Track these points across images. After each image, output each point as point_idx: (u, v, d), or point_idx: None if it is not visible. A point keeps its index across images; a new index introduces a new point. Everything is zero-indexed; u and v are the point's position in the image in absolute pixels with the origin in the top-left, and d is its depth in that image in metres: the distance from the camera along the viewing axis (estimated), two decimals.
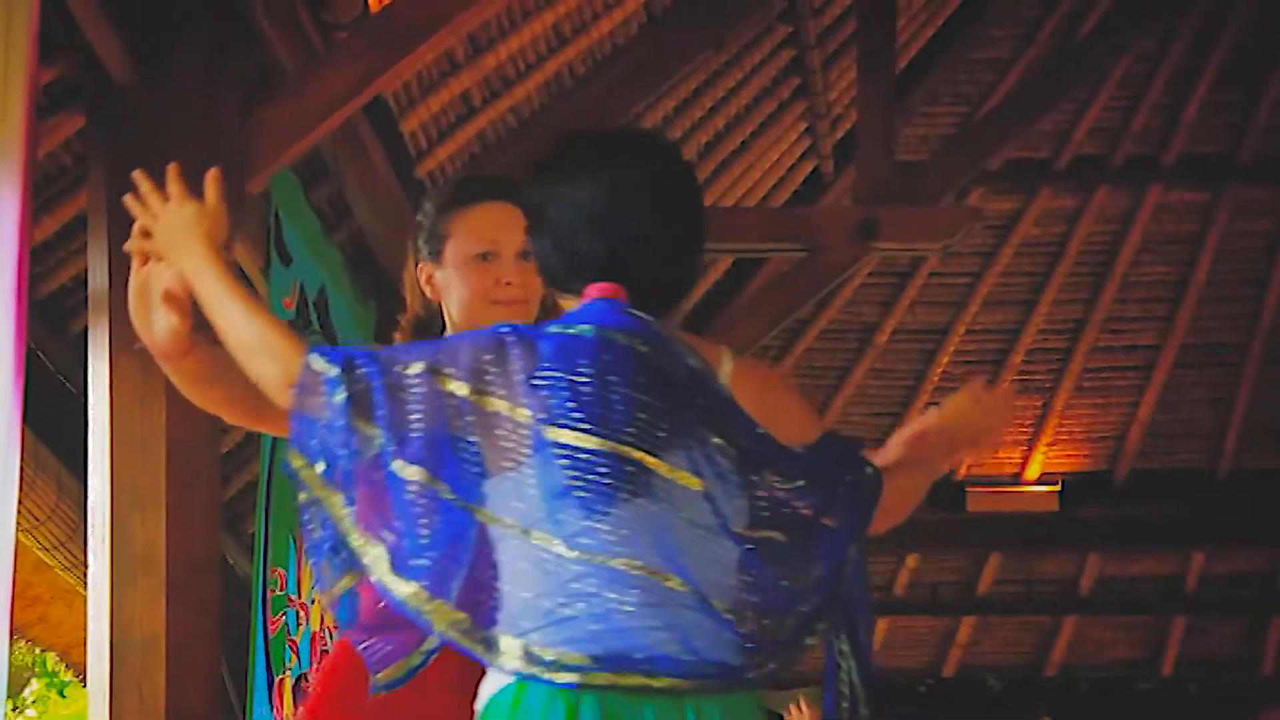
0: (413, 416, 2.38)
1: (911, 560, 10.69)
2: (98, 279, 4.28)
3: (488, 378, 2.39)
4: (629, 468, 2.37)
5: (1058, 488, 10.42)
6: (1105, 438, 10.50)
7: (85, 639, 4.25)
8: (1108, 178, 9.80)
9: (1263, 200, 9.87)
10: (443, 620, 2.36)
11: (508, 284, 2.94)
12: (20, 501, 4.42)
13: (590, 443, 2.36)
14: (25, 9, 3.61)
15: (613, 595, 2.35)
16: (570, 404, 2.37)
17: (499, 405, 2.39)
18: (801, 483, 2.44)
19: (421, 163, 6.50)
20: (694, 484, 2.39)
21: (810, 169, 9.12)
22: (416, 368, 2.40)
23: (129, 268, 4.13)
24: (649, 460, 2.37)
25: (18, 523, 4.03)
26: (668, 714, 2.36)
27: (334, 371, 2.40)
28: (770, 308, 7.53)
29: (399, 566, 2.36)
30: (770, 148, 8.66)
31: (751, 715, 2.42)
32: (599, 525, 2.36)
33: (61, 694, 11.03)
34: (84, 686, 4.95)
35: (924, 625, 10.99)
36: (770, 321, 7.56)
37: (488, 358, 2.40)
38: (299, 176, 5.33)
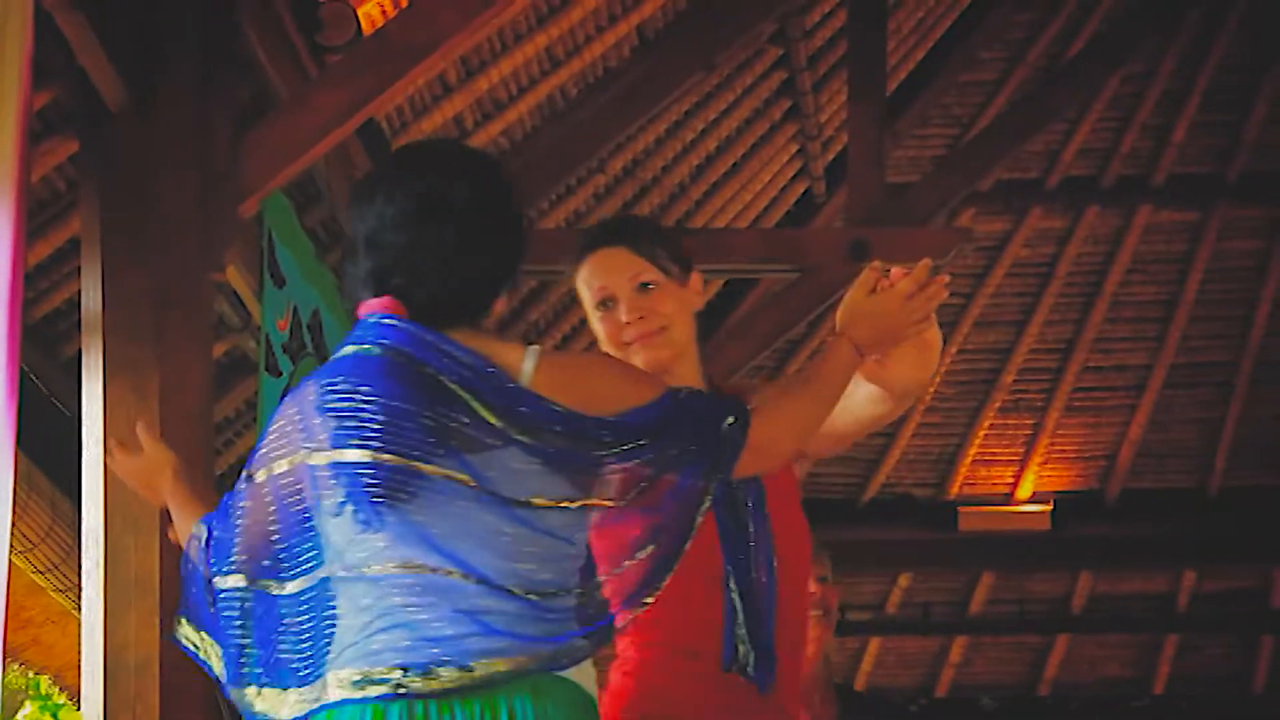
0: (235, 527, 2.58)
1: (903, 580, 10.70)
2: (91, 302, 4.30)
3: (285, 441, 2.57)
4: (396, 475, 2.45)
5: (1049, 507, 10.43)
6: (1096, 457, 10.52)
7: (79, 662, 4.26)
8: (1097, 198, 9.83)
9: (1251, 219, 9.90)
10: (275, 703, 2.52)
11: (627, 324, 2.98)
12: (14, 524, 4.43)
13: (352, 456, 2.46)
14: (19, 35, 3.62)
15: (402, 601, 2.43)
16: (334, 424, 2.49)
17: (301, 459, 2.53)
18: (630, 445, 2.48)
19: None
20: (466, 480, 2.45)
21: (802, 190, 9.15)
22: (241, 482, 2.61)
23: (122, 291, 4.16)
24: (415, 465, 2.45)
25: (11, 545, 4.04)
26: (476, 712, 2.41)
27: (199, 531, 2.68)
28: (763, 328, 7.55)
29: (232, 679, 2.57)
30: (762, 169, 8.68)
31: (568, 696, 2.46)
32: (373, 537, 2.46)
33: (55, 717, 11.01)
34: (78, 710, 4.95)
35: (916, 645, 10.99)
36: (763, 342, 7.58)
37: (282, 422, 2.59)
38: (292, 199, 5.35)
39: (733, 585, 2.86)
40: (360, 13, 5.38)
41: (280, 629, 2.52)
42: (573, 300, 8.09)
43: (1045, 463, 10.52)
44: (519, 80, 6.70)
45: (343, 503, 2.47)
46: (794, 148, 8.76)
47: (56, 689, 7.61)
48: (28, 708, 10.95)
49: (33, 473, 5.23)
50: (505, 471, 2.46)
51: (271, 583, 2.54)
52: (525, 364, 2.51)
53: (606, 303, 3.00)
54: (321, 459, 2.49)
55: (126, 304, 4.26)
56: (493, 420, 2.46)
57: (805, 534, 3.03)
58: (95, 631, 4.18)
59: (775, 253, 7.13)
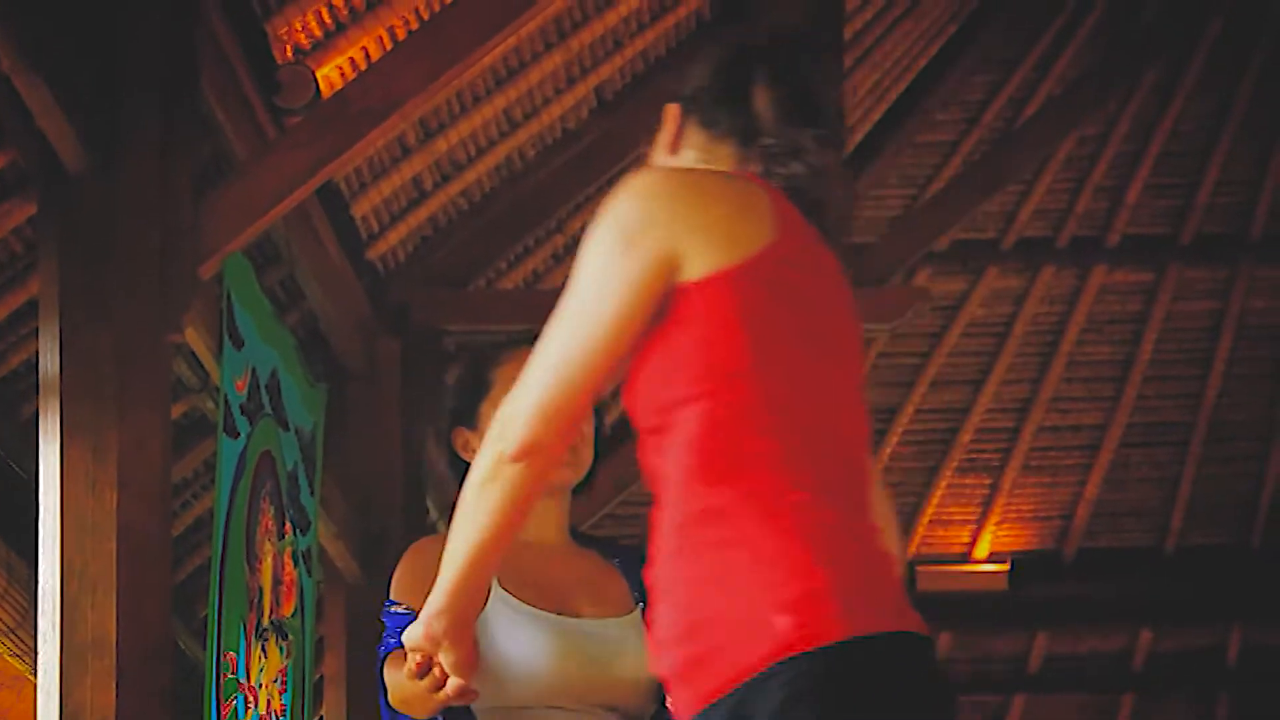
0: None
1: None
2: (48, 364, 4.29)
3: None
4: None
5: (1007, 566, 10.46)
6: (1053, 517, 10.56)
7: None
8: (1053, 258, 9.90)
9: (1205, 280, 9.99)
10: None
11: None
12: None
13: None
14: None
15: None
16: None
17: None
18: None
19: (373, 246, 6.53)
20: None
21: None
22: None
23: (80, 352, 4.14)
24: None
25: None
26: None
27: None
28: None
29: None
30: None
31: None
32: None
33: None
34: None
35: None
36: None
37: None
38: (251, 260, 5.35)
39: None
40: (319, 75, 5.39)
41: None
42: None
43: (1002, 522, 10.55)
44: (477, 141, 6.73)
45: None
46: None
47: None
48: None
49: None
50: None
51: None
52: None
53: None
54: None
55: (85, 365, 4.26)
56: None
57: None
58: (51, 695, 4.15)
59: None
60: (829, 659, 1.97)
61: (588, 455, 3.01)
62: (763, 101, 2.22)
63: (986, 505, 10.50)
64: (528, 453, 2.16)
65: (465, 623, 2.32)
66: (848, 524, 2.08)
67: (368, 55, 5.64)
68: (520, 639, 2.84)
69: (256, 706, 5.21)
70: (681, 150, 2.29)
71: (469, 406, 3.03)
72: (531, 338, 3.03)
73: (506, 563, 2.74)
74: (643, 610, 2.91)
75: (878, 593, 2.06)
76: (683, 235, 2.12)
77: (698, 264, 2.11)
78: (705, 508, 2.07)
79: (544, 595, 2.90)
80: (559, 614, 2.88)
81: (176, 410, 5.58)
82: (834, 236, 2.23)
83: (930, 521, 10.52)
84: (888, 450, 10.33)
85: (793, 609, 1.99)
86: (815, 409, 2.11)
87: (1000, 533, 10.56)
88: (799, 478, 2.07)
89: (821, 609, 1.99)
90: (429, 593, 2.41)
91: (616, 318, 2.14)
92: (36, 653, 4.24)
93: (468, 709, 2.80)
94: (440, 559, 2.36)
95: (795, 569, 2.01)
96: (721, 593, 2.03)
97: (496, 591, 2.87)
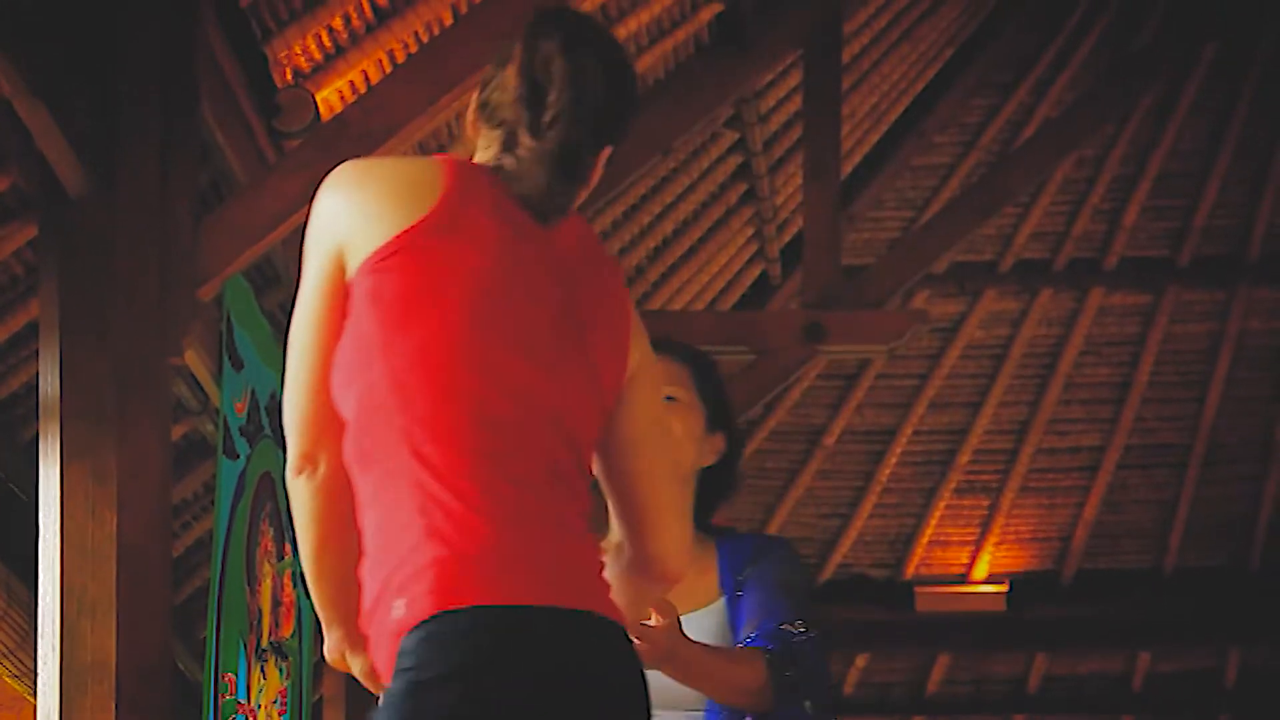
0: None
1: (860, 660, 10.70)
2: (48, 386, 4.30)
3: None
4: None
5: (1005, 588, 10.46)
6: (1052, 538, 10.56)
7: None
8: (1050, 280, 9.92)
9: (1203, 302, 10.00)
10: None
11: None
12: None
13: None
14: None
15: None
16: None
17: None
18: None
19: None
20: None
21: (758, 273, 9.20)
22: None
23: (80, 375, 4.14)
24: None
25: None
26: None
27: None
28: None
29: None
30: (718, 252, 8.74)
31: None
32: None
33: None
34: None
35: None
36: None
37: None
38: (251, 282, 5.37)
39: None
40: (318, 98, 5.41)
41: None
42: None
43: (1001, 544, 10.55)
44: None
45: None
46: (750, 230, 8.82)
47: None
48: None
49: None
50: None
51: None
52: None
53: None
54: None
55: (85, 387, 4.27)
56: None
57: None
58: (51, 717, 4.16)
59: (731, 335, 7.16)
60: (426, 632, 2.02)
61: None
62: (506, 86, 2.20)
63: (985, 526, 10.50)
64: (302, 464, 2.19)
65: (350, 633, 2.26)
66: (487, 500, 2.06)
67: (367, 78, 5.66)
68: None
69: None
70: (477, 143, 2.29)
71: None
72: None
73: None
74: (728, 600, 2.92)
75: (501, 568, 2.04)
76: (346, 227, 2.14)
77: (358, 253, 2.13)
78: (360, 495, 2.12)
79: None
80: None
81: (176, 432, 5.59)
82: (548, 220, 2.16)
83: (929, 543, 10.52)
84: (886, 471, 10.34)
85: (401, 589, 2.04)
86: (463, 384, 2.08)
87: (999, 554, 10.56)
88: (430, 454, 2.07)
89: (426, 586, 2.03)
90: None
91: (314, 319, 2.18)
92: (36, 674, 4.25)
93: None
94: None
95: (413, 548, 2.04)
96: (367, 576, 2.11)
97: None
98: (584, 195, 2.24)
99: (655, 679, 2.80)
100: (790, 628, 2.88)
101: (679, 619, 2.79)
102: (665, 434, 2.31)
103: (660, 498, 2.27)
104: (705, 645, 2.84)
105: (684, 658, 2.79)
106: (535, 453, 2.10)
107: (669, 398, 2.92)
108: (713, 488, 3.02)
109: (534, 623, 2.04)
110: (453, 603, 2.02)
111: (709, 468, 3.00)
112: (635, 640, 2.52)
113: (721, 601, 2.94)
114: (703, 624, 2.90)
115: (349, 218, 2.14)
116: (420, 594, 2.03)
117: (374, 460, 2.09)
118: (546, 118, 2.15)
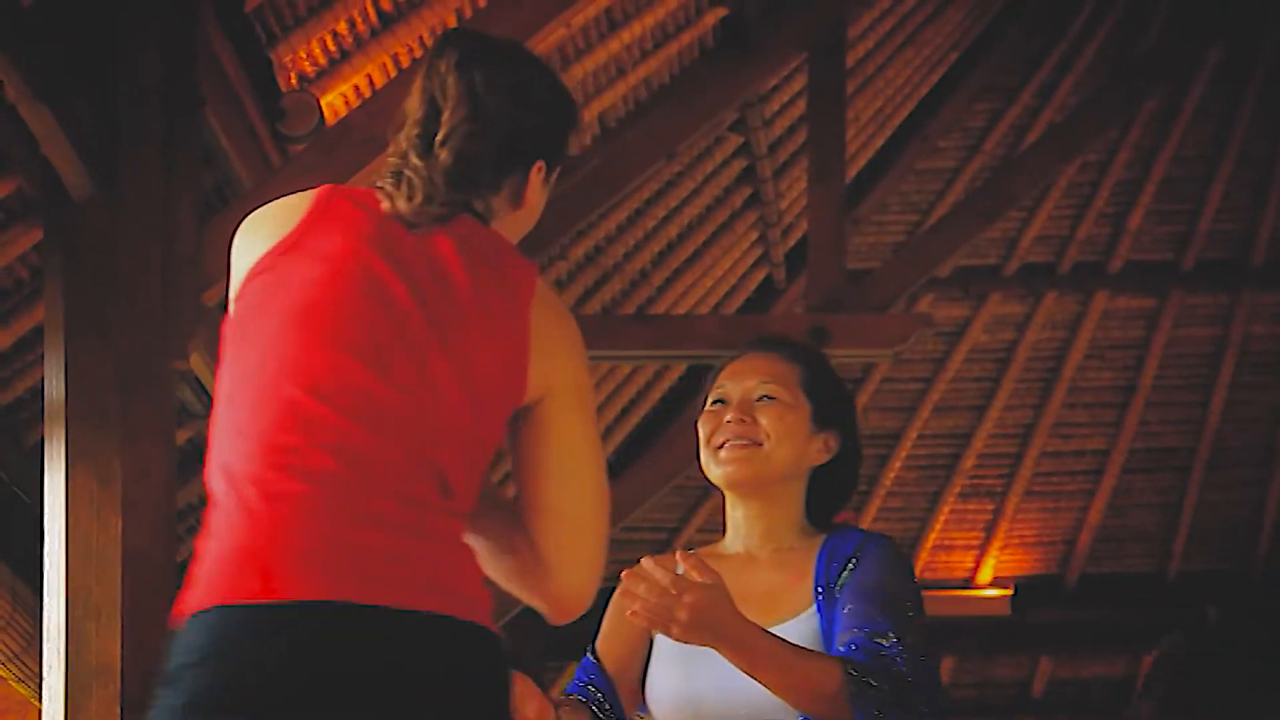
0: None
1: None
2: (54, 390, 4.31)
3: None
4: None
5: (1010, 592, 10.46)
6: (1056, 542, 10.56)
7: None
8: (1055, 284, 9.92)
9: (1207, 306, 10.00)
10: None
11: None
12: None
13: None
14: None
15: None
16: None
17: None
18: None
19: None
20: None
21: (762, 277, 9.20)
22: None
23: (85, 379, 4.13)
24: None
25: None
26: None
27: None
28: None
29: None
30: (723, 256, 8.74)
31: None
32: None
33: None
34: None
35: None
36: None
37: None
38: None
39: None
40: (323, 102, 5.42)
41: None
42: None
43: (1005, 547, 10.55)
44: None
45: None
46: (754, 234, 8.82)
47: None
48: None
49: None
50: None
51: None
52: None
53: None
54: None
55: (90, 391, 4.28)
56: None
57: None
58: None
59: (736, 339, 7.08)
60: (190, 625, 2.06)
61: (747, 452, 2.82)
62: (408, 109, 2.24)
63: (989, 530, 10.50)
64: None
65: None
66: (264, 501, 2.05)
67: (371, 82, 5.66)
68: (657, 675, 2.81)
69: None
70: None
71: None
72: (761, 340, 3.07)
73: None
74: (819, 607, 2.74)
75: (249, 567, 2.03)
76: (235, 271, 2.21)
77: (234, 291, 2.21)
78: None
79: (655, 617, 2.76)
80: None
81: (181, 436, 5.59)
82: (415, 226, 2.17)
83: (933, 547, 10.52)
84: (891, 475, 10.34)
85: (187, 584, 2.10)
86: (279, 390, 2.07)
87: (1003, 558, 10.56)
88: (232, 460, 2.08)
89: (194, 584, 2.08)
90: (630, 639, 2.78)
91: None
92: (42, 678, 4.26)
93: None
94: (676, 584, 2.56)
95: (204, 548, 2.09)
96: None
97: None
98: (523, 219, 2.24)
99: (731, 685, 2.69)
100: (882, 640, 2.68)
101: (726, 591, 2.59)
102: (581, 469, 2.18)
103: (560, 536, 2.17)
104: (767, 631, 2.64)
105: (735, 634, 2.58)
106: (356, 451, 2.06)
107: (767, 396, 2.83)
108: (826, 486, 2.88)
109: (278, 620, 2.01)
110: (198, 605, 2.06)
111: (821, 466, 2.87)
112: (666, 600, 2.53)
113: (814, 609, 2.77)
114: (792, 635, 2.70)
115: (236, 261, 2.21)
116: (182, 594, 2.09)
117: (207, 471, 2.14)
118: (440, 136, 2.17)
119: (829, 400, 2.88)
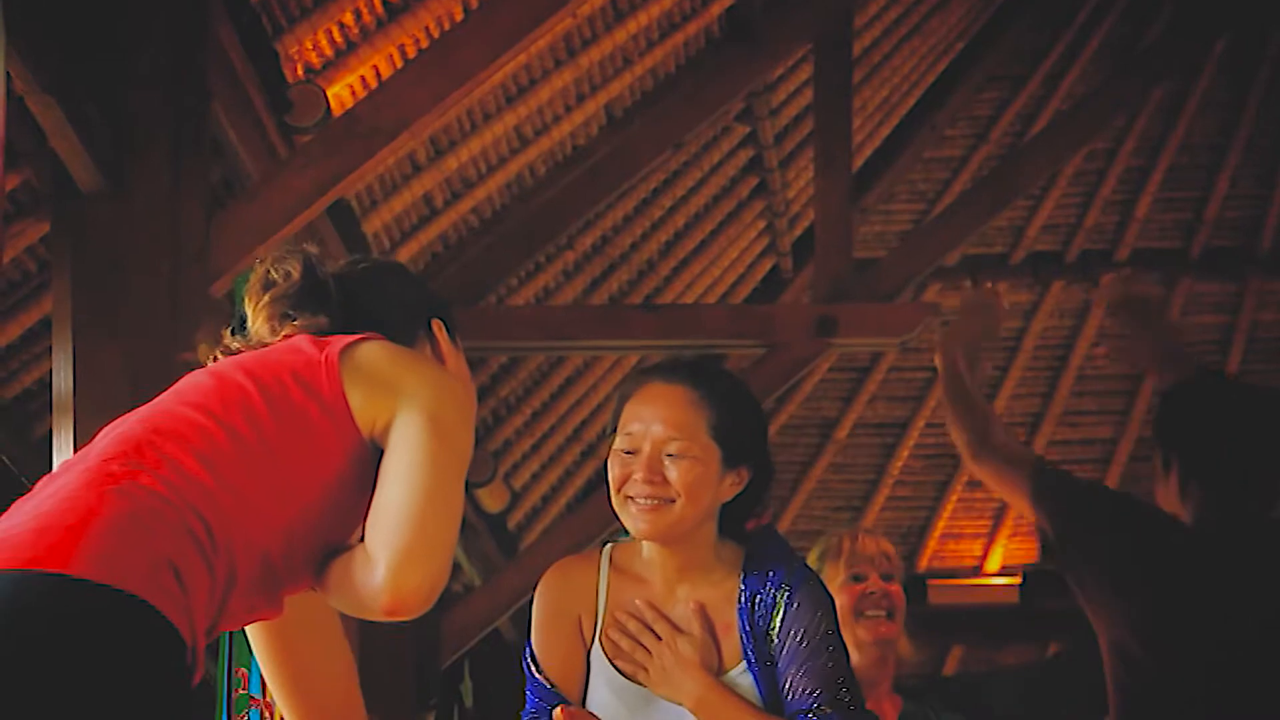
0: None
1: None
2: (62, 382, 4.32)
3: None
4: None
5: (1019, 580, 10.46)
6: None
7: None
8: (1062, 272, 9.91)
9: (1214, 294, 9.99)
10: None
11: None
12: None
13: None
14: None
15: None
16: None
17: None
18: None
19: None
20: None
21: (770, 266, 9.21)
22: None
23: (93, 371, 4.13)
24: None
25: None
26: None
27: None
28: None
29: None
30: (730, 245, 8.74)
31: None
32: None
33: None
34: None
35: None
36: None
37: None
38: None
39: None
40: (329, 94, 5.42)
41: None
42: (542, 377, 8.12)
43: (1014, 536, 10.55)
44: (488, 159, 6.76)
45: None
46: (761, 224, 8.83)
47: None
48: None
49: None
50: None
51: None
52: None
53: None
54: None
55: (98, 384, 4.28)
56: None
57: None
58: None
59: (743, 328, 7.17)
60: None
61: (657, 511, 2.80)
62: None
63: (998, 519, 10.50)
64: None
65: None
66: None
67: (378, 73, 5.67)
68: (601, 708, 2.84)
69: None
70: None
71: None
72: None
73: (612, 621, 2.82)
74: (749, 658, 2.81)
75: None
76: None
77: None
78: None
79: (634, 659, 2.84)
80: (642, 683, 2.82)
81: None
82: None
83: (941, 535, 10.53)
84: (898, 465, 10.34)
85: None
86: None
87: (1012, 546, 10.56)
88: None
89: None
90: (572, 656, 2.81)
91: None
92: None
93: None
94: (589, 587, 2.81)
95: None
96: None
97: (596, 650, 2.85)
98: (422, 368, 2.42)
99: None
100: (828, 709, 2.76)
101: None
102: (411, 469, 2.27)
103: (386, 533, 2.24)
104: (735, 695, 2.77)
105: (709, 697, 2.79)
106: (121, 451, 2.37)
107: (675, 454, 2.79)
108: (740, 506, 2.87)
109: None
110: None
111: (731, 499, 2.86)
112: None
113: (743, 665, 2.81)
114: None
115: None
116: None
117: None
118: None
119: (738, 438, 2.84)
